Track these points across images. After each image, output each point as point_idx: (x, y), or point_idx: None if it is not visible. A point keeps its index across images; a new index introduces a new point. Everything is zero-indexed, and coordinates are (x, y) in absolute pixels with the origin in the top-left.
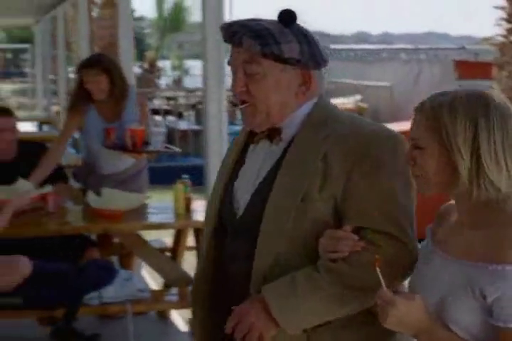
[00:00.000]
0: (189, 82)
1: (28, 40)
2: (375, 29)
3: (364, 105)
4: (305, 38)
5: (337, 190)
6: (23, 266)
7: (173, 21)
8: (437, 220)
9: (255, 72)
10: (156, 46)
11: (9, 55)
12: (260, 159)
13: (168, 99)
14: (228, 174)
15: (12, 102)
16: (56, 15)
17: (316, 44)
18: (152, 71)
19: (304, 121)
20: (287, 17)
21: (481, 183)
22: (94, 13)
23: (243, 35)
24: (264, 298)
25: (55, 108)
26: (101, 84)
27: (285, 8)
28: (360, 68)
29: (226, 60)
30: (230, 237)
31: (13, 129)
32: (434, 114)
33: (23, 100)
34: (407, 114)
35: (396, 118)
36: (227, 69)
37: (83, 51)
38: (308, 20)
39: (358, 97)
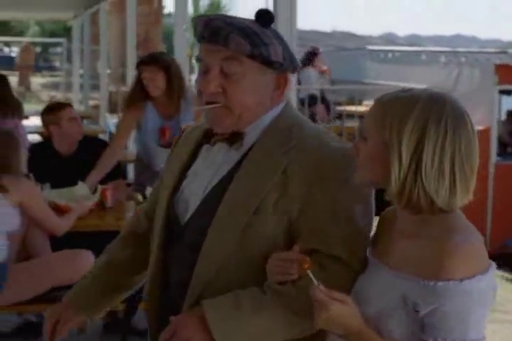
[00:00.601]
0: None
1: (60, 34)
2: (402, 30)
3: None
4: (281, 40)
5: (293, 206)
6: (86, 260)
7: None
8: (378, 227)
9: (234, 71)
10: (191, 43)
11: (38, 49)
12: (215, 163)
13: None
14: (178, 174)
15: (43, 96)
16: (98, 9)
17: (288, 47)
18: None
19: (267, 128)
20: (266, 17)
21: (413, 190)
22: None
23: (230, 32)
24: (203, 314)
25: (91, 102)
26: (158, 81)
27: (263, 8)
28: (397, 70)
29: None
30: (174, 242)
31: (80, 120)
32: (388, 107)
33: (54, 94)
34: None
35: None
36: None
37: (120, 47)
38: (335, 20)
39: None
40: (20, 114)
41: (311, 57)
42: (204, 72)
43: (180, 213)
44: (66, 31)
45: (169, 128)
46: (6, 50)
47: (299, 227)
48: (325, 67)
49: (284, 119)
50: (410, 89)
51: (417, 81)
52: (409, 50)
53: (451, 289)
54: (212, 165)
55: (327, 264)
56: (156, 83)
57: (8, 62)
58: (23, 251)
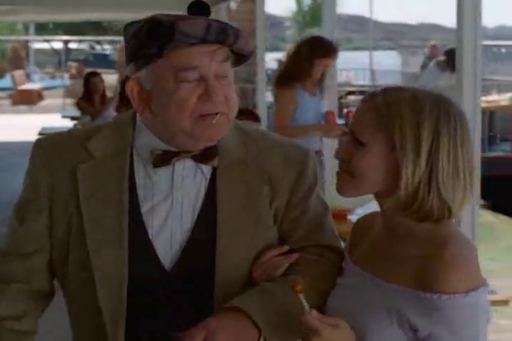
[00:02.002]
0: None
1: None
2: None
3: None
4: None
5: (280, 208)
6: None
7: (312, 15)
8: (355, 235)
9: (227, 73)
10: (295, 40)
11: None
12: (188, 186)
13: None
14: (125, 209)
15: None
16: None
17: None
18: None
19: (221, 139)
20: (203, 10)
21: (427, 196)
22: (233, 6)
23: (237, 32)
24: (237, 311)
25: None
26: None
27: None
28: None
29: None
30: (156, 293)
31: None
32: (391, 110)
33: None
34: None
35: None
36: None
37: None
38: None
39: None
40: None
41: (451, 57)
42: (199, 80)
43: (161, 255)
44: None
45: (333, 114)
46: (99, 47)
47: (289, 229)
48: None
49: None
50: (404, 88)
51: None
52: None
53: (458, 303)
54: (185, 188)
55: (326, 254)
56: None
57: (103, 60)
58: None
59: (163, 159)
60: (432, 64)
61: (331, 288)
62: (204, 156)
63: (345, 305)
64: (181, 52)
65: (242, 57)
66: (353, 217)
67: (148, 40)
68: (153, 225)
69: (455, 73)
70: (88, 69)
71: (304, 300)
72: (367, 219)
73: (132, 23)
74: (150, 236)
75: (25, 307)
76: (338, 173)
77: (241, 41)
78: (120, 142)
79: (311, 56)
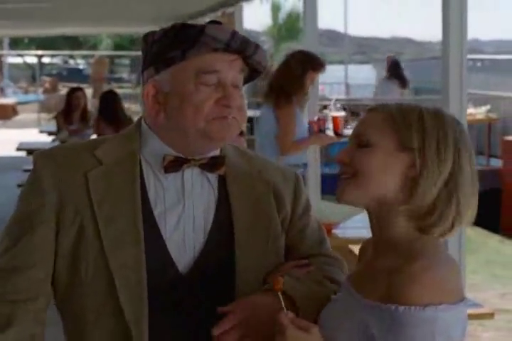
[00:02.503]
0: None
1: (126, 47)
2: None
3: (493, 116)
4: None
5: (285, 219)
6: None
7: (288, 29)
8: (360, 254)
9: (240, 85)
10: (270, 54)
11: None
12: (198, 194)
13: None
14: (138, 214)
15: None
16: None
17: None
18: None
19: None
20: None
21: (450, 210)
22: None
23: (258, 45)
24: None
25: None
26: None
27: (234, 21)
28: (488, 79)
29: None
30: (171, 297)
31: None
32: (409, 116)
33: (128, 105)
34: None
35: None
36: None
37: None
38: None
39: (487, 108)
40: None
41: (396, 67)
42: (217, 85)
43: (175, 257)
44: (132, 44)
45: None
46: (72, 62)
47: (300, 236)
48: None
49: None
50: (409, 104)
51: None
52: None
53: (414, 316)
54: (195, 196)
55: (334, 264)
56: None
57: (77, 74)
58: None
59: (174, 165)
60: (383, 77)
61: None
62: (212, 165)
63: (331, 318)
64: (205, 56)
65: (255, 73)
66: (338, 231)
67: (173, 43)
68: (167, 228)
69: (400, 86)
70: (62, 84)
71: (282, 300)
72: (371, 241)
73: (153, 31)
74: (164, 238)
75: (36, 331)
76: (339, 180)
77: (259, 54)
78: (127, 150)
79: (302, 70)
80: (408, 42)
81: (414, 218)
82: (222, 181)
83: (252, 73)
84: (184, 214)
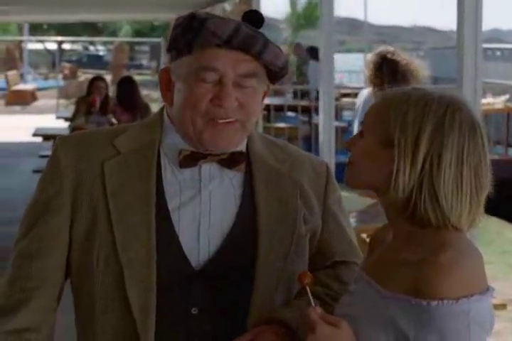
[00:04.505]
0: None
1: (146, 33)
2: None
3: None
4: None
5: (317, 222)
6: None
7: (306, 17)
8: (371, 244)
9: (250, 84)
10: (289, 41)
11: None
12: (215, 189)
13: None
14: (153, 207)
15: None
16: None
17: None
18: None
19: (248, 146)
20: (258, 18)
21: (421, 200)
22: (228, 8)
23: (268, 42)
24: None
25: None
26: None
27: (252, 8)
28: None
29: None
30: (185, 293)
31: None
32: (396, 108)
33: (147, 92)
34: None
35: None
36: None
37: None
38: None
39: (506, 97)
40: (148, 116)
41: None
42: (217, 82)
43: (188, 254)
44: (152, 30)
45: None
46: (92, 48)
47: (329, 244)
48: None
49: (252, 133)
50: (420, 88)
51: None
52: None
53: (447, 310)
54: (212, 191)
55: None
56: None
57: (96, 60)
58: None
59: (190, 160)
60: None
61: None
62: (231, 161)
63: (348, 310)
64: (207, 52)
65: (274, 74)
66: (352, 220)
67: (182, 34)
68: (181, 222)
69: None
70: (82, 70)
71: (310, 294)
72: (385, 228)
73: (180, 16)
74: (177, 233)
75: (45, 318)
76: (346, 165)
77: (268, 54)
78: (147, 140)
79: None
80: (429, 31)
81: (396, 211)
82: (248, 178)
83: (273, 73)
84: (200, 209)
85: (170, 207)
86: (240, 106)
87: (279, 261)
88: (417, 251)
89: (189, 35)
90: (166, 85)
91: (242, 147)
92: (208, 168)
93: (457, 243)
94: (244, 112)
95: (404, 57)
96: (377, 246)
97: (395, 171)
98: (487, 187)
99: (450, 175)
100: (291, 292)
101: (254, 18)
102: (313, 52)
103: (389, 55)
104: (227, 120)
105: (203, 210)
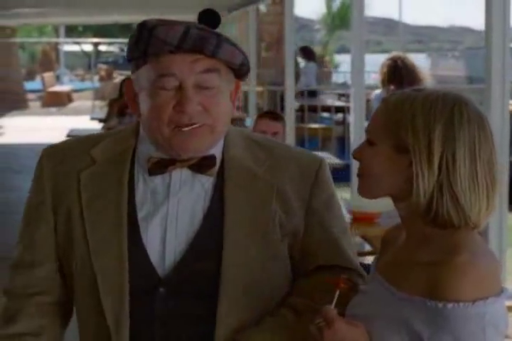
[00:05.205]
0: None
1: None
2: None
3: None
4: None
5: (298, 225)
6: None
7: (341, 18)
8: (383, 243)
9: (212, 85)
10: (324, 42)
11: None
12: (184, 196)
13: (340, 95)
14: (123, 215)
15: None
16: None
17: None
18: (320, 67)
19: (225, 148)
20: (214, 18)
21: (442, 202)
22: (263, 9)
23: (222, 41)
24: None
25: None
26: None
27: (207, 7)
28: None
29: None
30: (150, 301)
31: (284, 134)
32: (402, 113)
33: None
34: None
35: None
36: None
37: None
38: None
39: None
40: None
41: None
42: (178, 89)
43: (154, 260)
44: None
45: None
46: None
47: (309, 246)
48: None
49: (233, 133)
50: (421, 89)
51: None
52: None
53: (463, 312)
54: (181, 197)
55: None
56: None
57: None
58: None
59: (158, 167)
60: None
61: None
62: (201, 166)
63: (360, 310)
64: (161, 60)
65: (237, 71)
66: (382, 221)
67: (135, 45)
68: (149, 231)
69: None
70: (118, 72)
71: (336, 298)
72: (395, 228)
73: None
74: (144, 243)
75: (44, 323)
76: (357, 176)
77: (223, 52)
78: (122, 148)
79: None
80: (466, 31)
81: (416, 214)
82: (220, 182)
83: (234, 71)
84: (168, 218)
85: (139, 216)
86: (205, 109)
87: (247, 265)
88: (432, 253)
89: (141, 46)
90: (130, 97)
91: (215, 150)
92: (179, 174)
93: (472, 244)
94: (210, 116)
95: (412, 61)
96: (390, 246)
97: (415, 177)
98: (500, 180)
99: (466, 172)
100: (268, 298)
101: (210, 18)
102: (306, 53)
103: (401, 59)
104: (193, 126)
105: (170, 217)
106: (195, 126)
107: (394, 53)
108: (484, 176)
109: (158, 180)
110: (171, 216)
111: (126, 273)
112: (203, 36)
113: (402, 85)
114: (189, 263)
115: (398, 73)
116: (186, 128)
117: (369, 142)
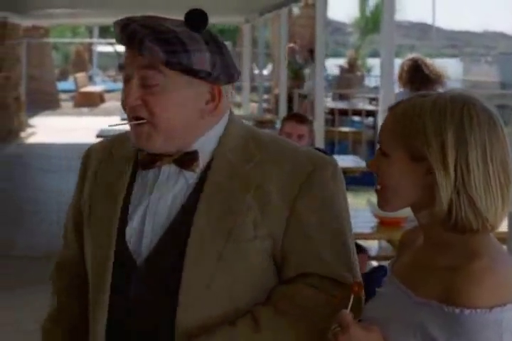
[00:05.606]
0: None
1: None
2: None
3: None
4: (217, 46)
5: (278, 226)
6: None
7: (374, 22)
8: (401, 246)
9: (154, 82)
10: (357, 45)
11: None
12: (166, 189)
13: (371, 99)
14: (121, 202)
15: None
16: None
17: (228, 53)
18: (352, 71)
19: (220, 144)
20: (198, 19)
21: (461, 207)
22: (296, 11)
23: (144, 37)
24: None
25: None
26: None
27: (194, 7)
28: None
29: None
30: (129, 284)
31: (310, 136)
32: (411, 120)
33: None
34: None
35: None
36: None
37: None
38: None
39: None
40: None
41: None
42: (125, 82)
43: (132, 249)
44: (220, 34)
45: None
46: None
47: (289, 251)
48: None
49: (234, 131)
50: (427, 94)
51: None
52: None
53: (480, 319)
54: (164, 192)
55: (326, 287)
56: None
57: None
58: None
59: (148, 162)
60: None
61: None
62: (183, 161)
63: (377, 313)
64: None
65: (187, 72)
66: (408, 225)
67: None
68: (132, 224)
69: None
70: None
71: (350, 302)
72: (413, 231)
73: None
74: (127, 233)
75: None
76: (375, 191)
77: (145, 49)
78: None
79: None
80: (500, 36)
81: (436, 221)
82: (203, 177)
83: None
84: (148, 209)
85: (130, 208)
86: (145, 105)
87: (210, 262)
88: (451, 257)
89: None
90: None
91: (204, 147)
92: (168, 170)
93: (491, 249)
94: (148, 111)
95: (431, 62)
96: (407, 249)
97: (437, 185)
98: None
99: (480, 175)
100: (233, 295)
101: (195, 18)
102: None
103: (421, 59)
104: (139, 122)
105: (150, 211)
106: (141, 121)
107: (414, 55)
108: (498, 176)
109: (150, 175)
110: (150, 209)
111: (111, 260)
112: (133, 31)
113: (423, 84)
114: (157, 258)
115: (420, 73)
116: (131, 123)
117: (383, 153)
